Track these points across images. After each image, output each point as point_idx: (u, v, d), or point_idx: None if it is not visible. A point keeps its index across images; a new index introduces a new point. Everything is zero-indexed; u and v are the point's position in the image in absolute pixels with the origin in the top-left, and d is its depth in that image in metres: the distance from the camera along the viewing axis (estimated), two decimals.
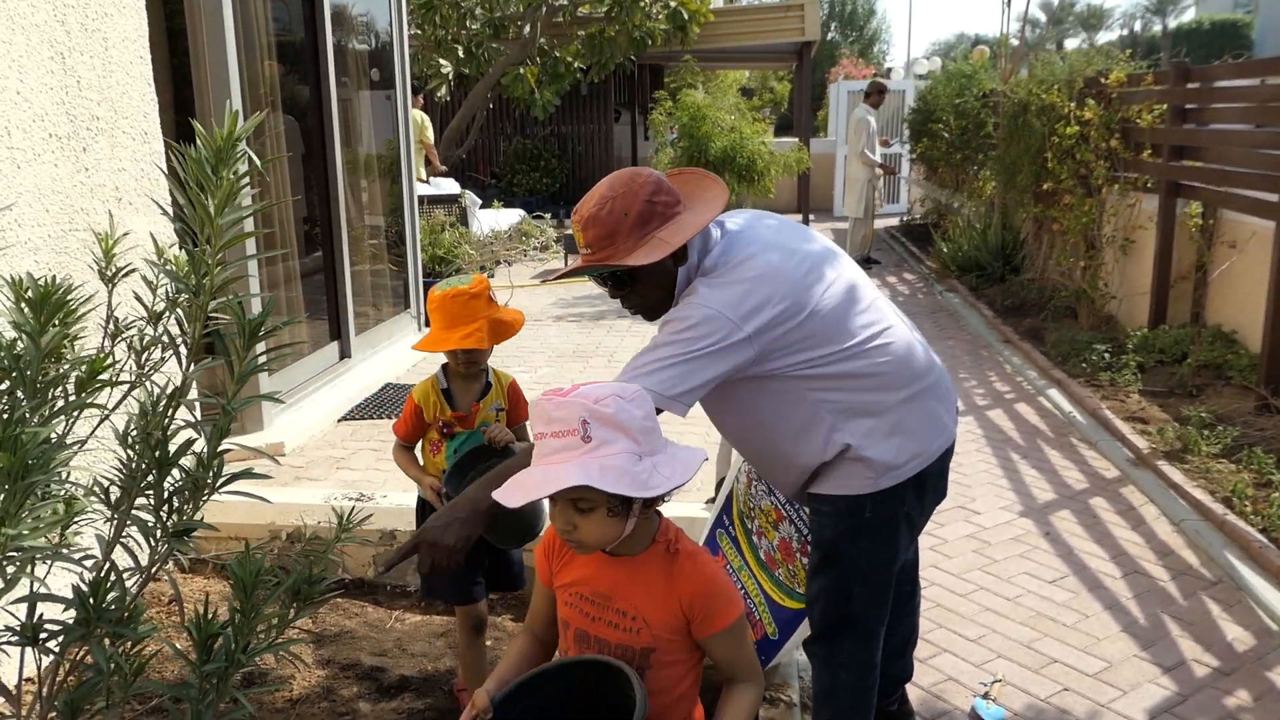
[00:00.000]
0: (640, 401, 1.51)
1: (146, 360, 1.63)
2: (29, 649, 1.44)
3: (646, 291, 1.99)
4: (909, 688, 2.73)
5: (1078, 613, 3.26)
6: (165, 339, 1.57)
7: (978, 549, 3.76)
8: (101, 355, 1.53)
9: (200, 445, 1.53)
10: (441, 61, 11.32)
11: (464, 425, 2.45)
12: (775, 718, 2.56)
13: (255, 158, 1.50)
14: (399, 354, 5.79)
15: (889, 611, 2.18)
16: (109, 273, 1.67)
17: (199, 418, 1.52)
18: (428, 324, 7.16)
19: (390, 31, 6.10)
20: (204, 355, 1.59)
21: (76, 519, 1.42)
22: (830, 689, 2.21)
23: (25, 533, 1.23)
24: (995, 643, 3.08)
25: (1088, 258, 6.87)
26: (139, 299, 1.63)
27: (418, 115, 9.78)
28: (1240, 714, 2.70)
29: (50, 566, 1.48)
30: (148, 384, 1.60)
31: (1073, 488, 4.35)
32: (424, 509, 2.52)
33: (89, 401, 1.51)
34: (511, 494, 1.49)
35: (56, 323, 1.47)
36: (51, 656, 1.47)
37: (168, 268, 1.51)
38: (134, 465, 1.49)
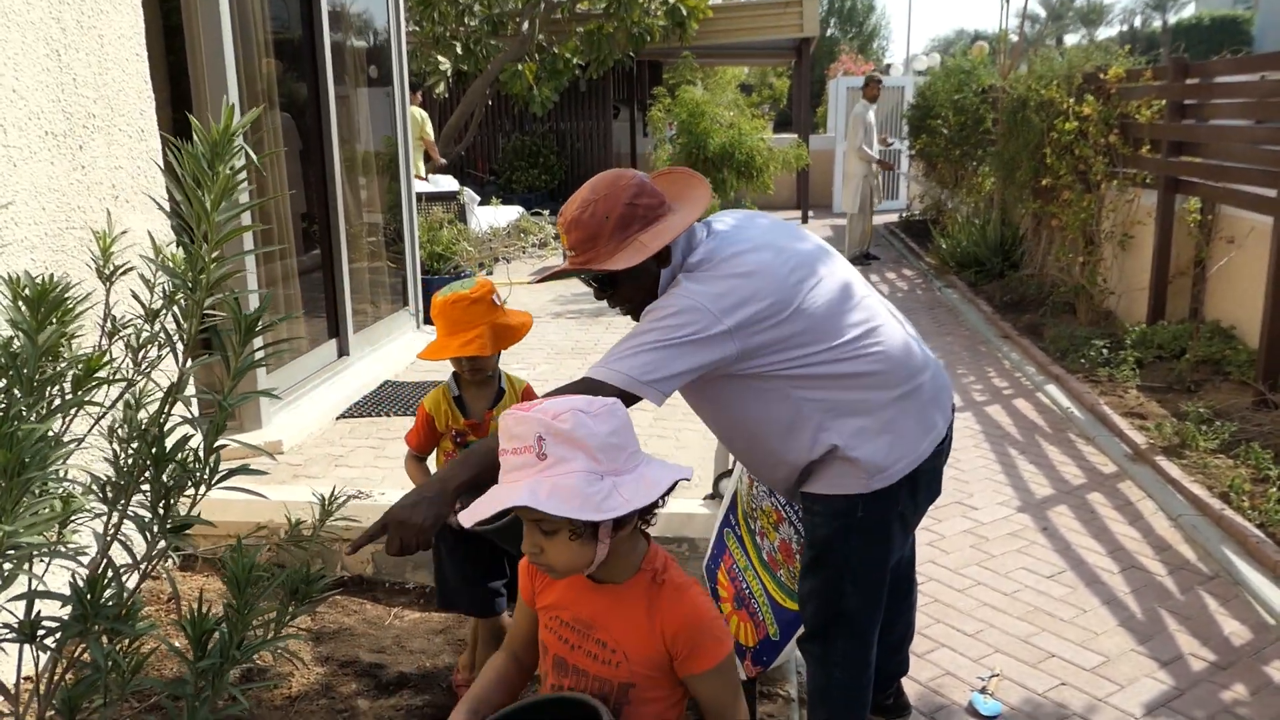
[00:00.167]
0: (606, 417, 1.40)
1: (143, 358, 1.63)
2: (27, 647, 1.44)
3: (629, 293, 2.00)
4: (906, 682, 2.73)
5: (1075, 608, 3.26)
6: (162, 337, 1.57)
7: (975, 544, 3.76)
8: (99, 353, 1.54)
9: (197, 441, 1.53)
10: (440, 58, 11.31)
11: (477, 433, 2.37)
12: (774, 713, 2.56)
13: (252, 153, 1.50)
14: (397, 351, 5.79)
15: (883, 609, 2.18)
16: (106, 271, 1.67)
17: (195, 414, 1.52)
18: (427, 322, 7.13)
19: (388, 28, 6.09)
20: (202, 352, 1.59)
21: (74, 517, 1.43)
22: (825, 688, 2.21)
23: (22, 529, 1.24)
24: (993, 637, 3.09)
25: (1086, 253, 6.87)
26: (136, 297, 1.63)
27: (417, 112, 9.78)
28: (1237, 708, 2.70)
29: (49, 564, 1.48)
30: (144, 381, 1.60)
31: (1070, 483, 4.36)
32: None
33: (86, 399, 1.52)
34: (465, 515, 1.41)
35: (54, 321, 1.47)
36: (49, 653, 1.47)
37: (165, 265, 1.51)
38: (130, 461, 1.50)
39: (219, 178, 1.40)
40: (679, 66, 12.58)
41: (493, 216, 10.38)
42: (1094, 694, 2.78)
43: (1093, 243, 6.87)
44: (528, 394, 2.45)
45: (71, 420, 1.56)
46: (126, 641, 1.50)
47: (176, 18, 3.95)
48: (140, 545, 1.53)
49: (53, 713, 1.49)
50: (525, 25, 11.55)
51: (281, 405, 4.43)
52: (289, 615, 1.59)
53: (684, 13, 12.01)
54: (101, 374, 1.51)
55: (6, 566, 1.31)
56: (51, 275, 1.50)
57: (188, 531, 1.55)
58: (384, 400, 4.95)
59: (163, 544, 1.51)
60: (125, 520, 1.52)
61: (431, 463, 2.49)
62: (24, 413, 1.40)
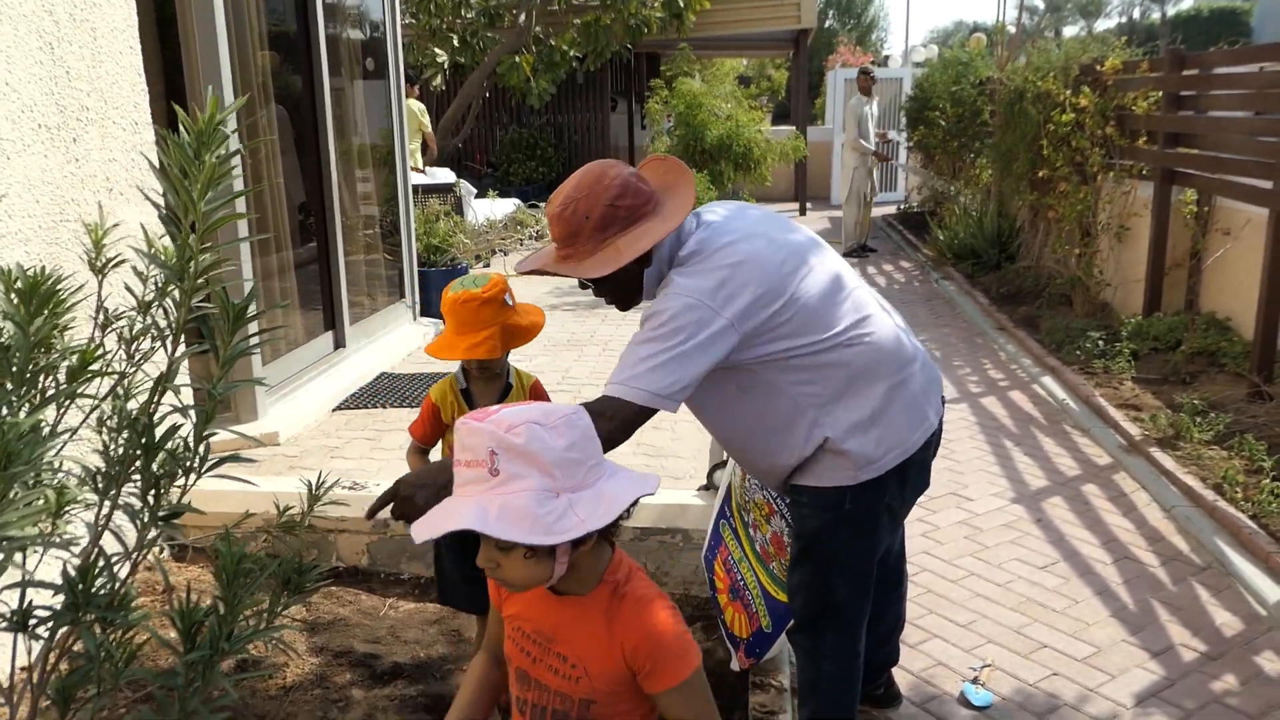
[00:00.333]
0: (564, 429, 1.31)
1: (136, 350, 1.64)
2: (21, 638, 1.45)
3: (613, 289, 2.03)
4: (897, 672, 2.75)
5: (1068, 598, 3.28)
6: (155, 329, 1.58)
7: (969, 535, 3.78)
8: (92, 345, 1.54)
9: (187, 429, 1.54)
10: (436, 51, 11.29)
11: None
12: (766, 703, 2.58)
13: (238, 141, 1.50)
14: (394, 343, 5.80)
15: (872, 601, 2.19)
16: (99, 263, 1.68)
17: (184, 403, 1.53)
18: (424, 314, 7.11)
19: (383, 20, 6.08)
20: (194, 342, 1.60)
21: (67, 508, 1.43)
22: (814, 680, 2.22)
23: (13, 520, 1.24)
24: (985, 628, 3.10)
25: (1083, 245, 6.88)
26: (129, 289, 1.63)
27: (415, 105, 9.76)
28: (1227, 698, 2.72)
29: (42, 556, 1.49)
30: (136, 372, 1.61)
31: (1065, 474, 4.37)
32: None
33: (80, 392, 1.52)
34: (416, 530, 1.34)
35: (46, 313, 1.48)
36: (42, 643, 1.48)
37: (154, 256, 1.52)
38: (120, 451, 1.50)
39: (204, 167, 1.41)
40: (676, 58, 12.57)
41: (489, 209, 10.37)
42: (1085, 684, 2.79)
43: (1089, 234, 6.87)
44: (535, 389, 2.41)
45: (64, 412, 1.56)
46: (119, 631, 1.50)
47: (170, 10, 3.95)
48: (132, 535, 1.54)
49: (47, 703, 1.50)
50: (522, 17, 11.53)
51: (278, 397, 4.44)
52: (281, 606, 1.60)
53: (681, 4, 11.98)
54: (95, 366, 1.52)
55: None
56: (44, 267, 1.50)
57: (179, 521, 1.56)
58: (380, 392, 4.96)
59: (153, 533, 1.52)
60: (116, 510, 1.53)
61: (435, 455, 2.47)
62: (14, 403, 1.40)
